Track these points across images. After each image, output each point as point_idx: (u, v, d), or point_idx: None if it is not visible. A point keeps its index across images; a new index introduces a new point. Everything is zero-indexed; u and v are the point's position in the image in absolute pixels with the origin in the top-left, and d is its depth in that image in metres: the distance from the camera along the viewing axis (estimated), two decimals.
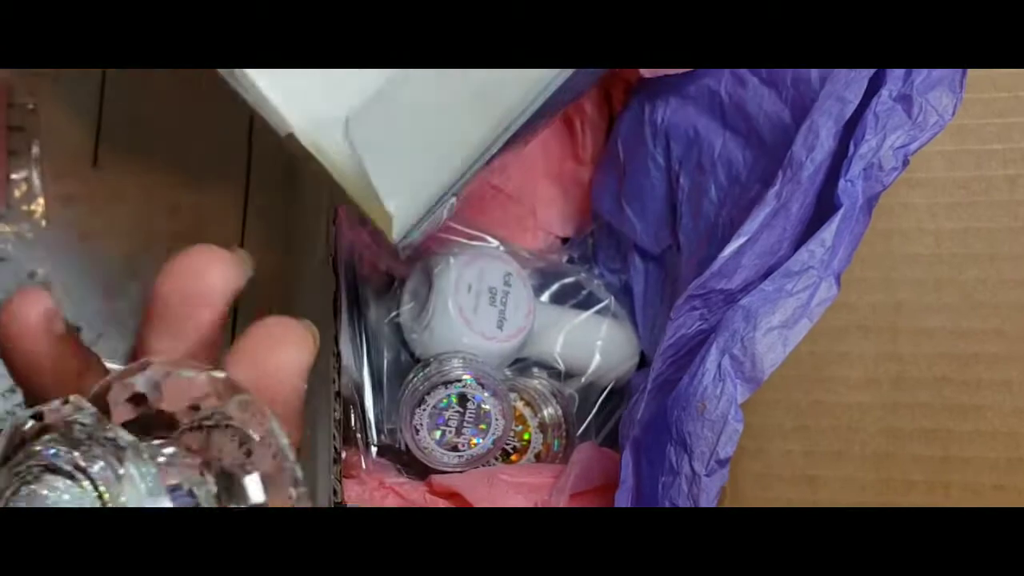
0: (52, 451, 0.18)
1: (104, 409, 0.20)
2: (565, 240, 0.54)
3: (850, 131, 0.32)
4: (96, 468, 0.18)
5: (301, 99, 0.27)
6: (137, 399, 0.20)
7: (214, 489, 0.20)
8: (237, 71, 0.26)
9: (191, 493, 0.19)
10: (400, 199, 0.28)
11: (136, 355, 0.23)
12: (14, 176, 0.49)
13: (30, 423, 0.19)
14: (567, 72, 0.29)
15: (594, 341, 0.49)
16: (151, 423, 0.20)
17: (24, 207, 0.49)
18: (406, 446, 0.45)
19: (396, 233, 0.28)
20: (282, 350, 0.23)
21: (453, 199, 0.30)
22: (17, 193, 0.48)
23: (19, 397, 0.38)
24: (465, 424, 0.45)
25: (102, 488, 0.18)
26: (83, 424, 0.19)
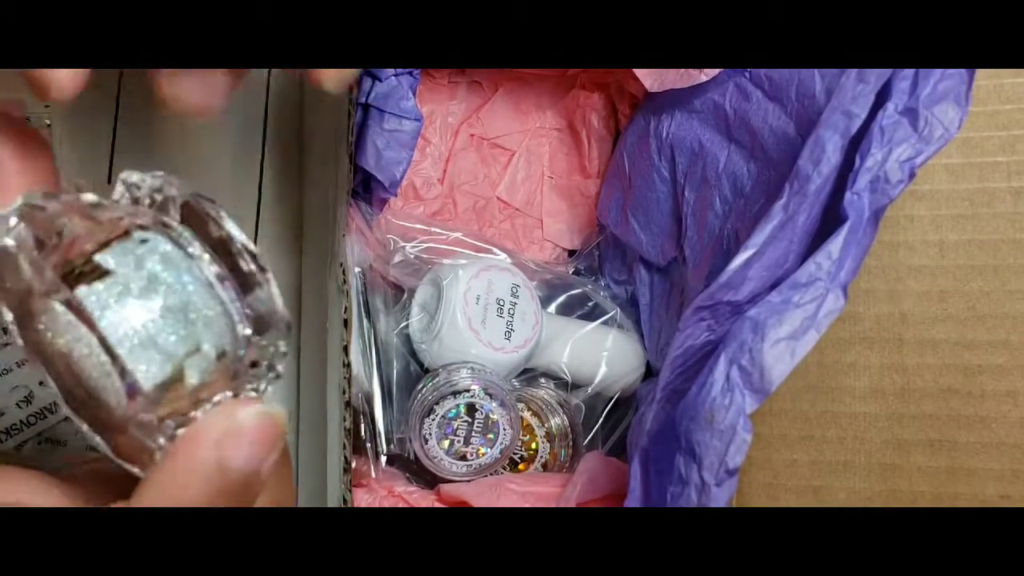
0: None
1: None
2: (572, 252, 0.54)
3: (856, 144, 0.32)
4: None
5: None
6: None
7: None
8: None
9: None
10: None
11: None
12: None
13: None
14: None
15: (600, 352, 0.49)
16: None
17: None
18: (415, 455, 0.45)
19: None
20: None
21: None
22: None
23: (36, 406, 0.38)
24: (473, 434, 0.45)
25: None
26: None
